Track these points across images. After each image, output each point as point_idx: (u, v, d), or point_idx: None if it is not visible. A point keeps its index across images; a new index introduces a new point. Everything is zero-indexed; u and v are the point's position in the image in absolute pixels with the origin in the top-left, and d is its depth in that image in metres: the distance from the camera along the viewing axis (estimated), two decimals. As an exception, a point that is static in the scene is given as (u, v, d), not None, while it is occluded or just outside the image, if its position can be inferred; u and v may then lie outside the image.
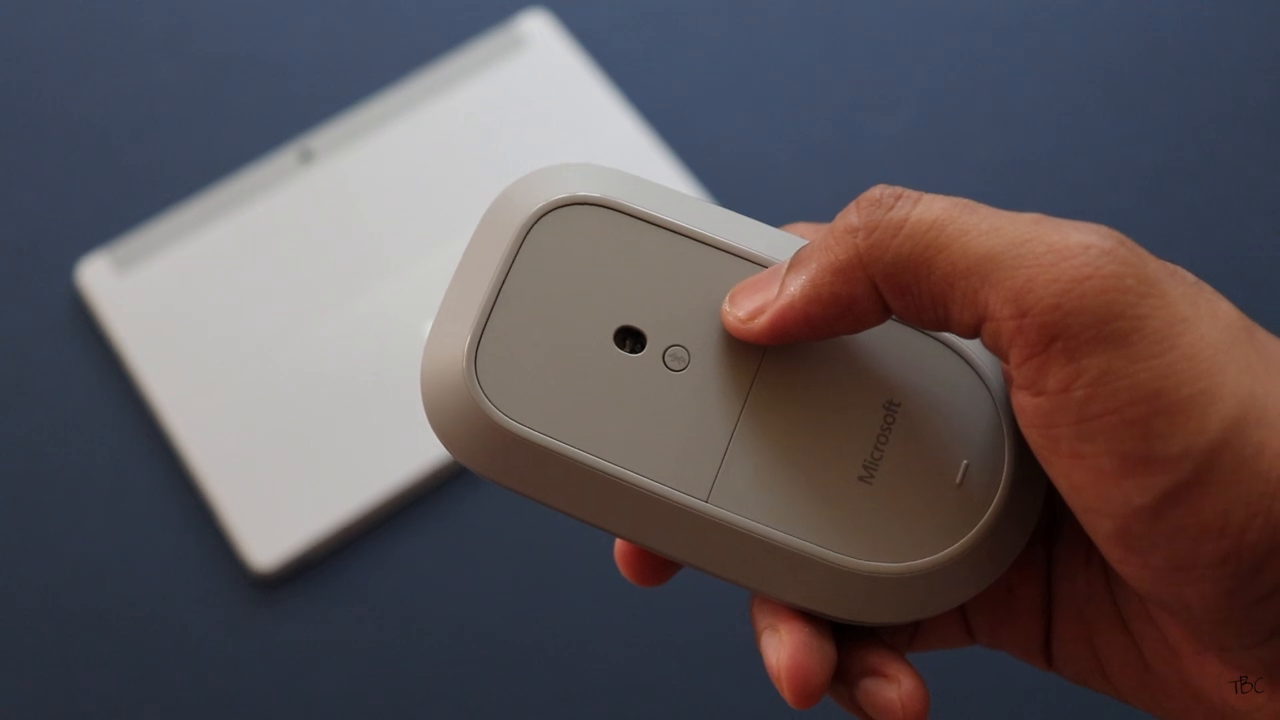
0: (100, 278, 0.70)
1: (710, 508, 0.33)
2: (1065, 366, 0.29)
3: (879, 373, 0.34)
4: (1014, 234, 0.30)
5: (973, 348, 0.34)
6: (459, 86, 0.74)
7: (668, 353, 0.34)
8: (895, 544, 0.33)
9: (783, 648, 0.32)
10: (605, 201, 0.34)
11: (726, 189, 0.72)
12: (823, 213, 0.72)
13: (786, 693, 0.32)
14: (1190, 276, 0.30)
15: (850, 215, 0.32)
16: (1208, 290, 0.30)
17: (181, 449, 0.66)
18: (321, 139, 0.73)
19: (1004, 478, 0.33)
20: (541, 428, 0.33)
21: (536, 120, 0.73)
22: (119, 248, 0.70)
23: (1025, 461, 0.33)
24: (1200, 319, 0.29)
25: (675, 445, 0.33)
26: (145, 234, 0.71)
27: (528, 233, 0.33)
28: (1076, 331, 0.29)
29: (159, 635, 0.64)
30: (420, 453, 0.66)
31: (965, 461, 0.33)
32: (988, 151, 0.73)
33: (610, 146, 0.72)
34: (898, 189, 0.31)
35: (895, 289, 0.31)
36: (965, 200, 0.31)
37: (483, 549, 0.65)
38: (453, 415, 0.33)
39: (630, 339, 0.34)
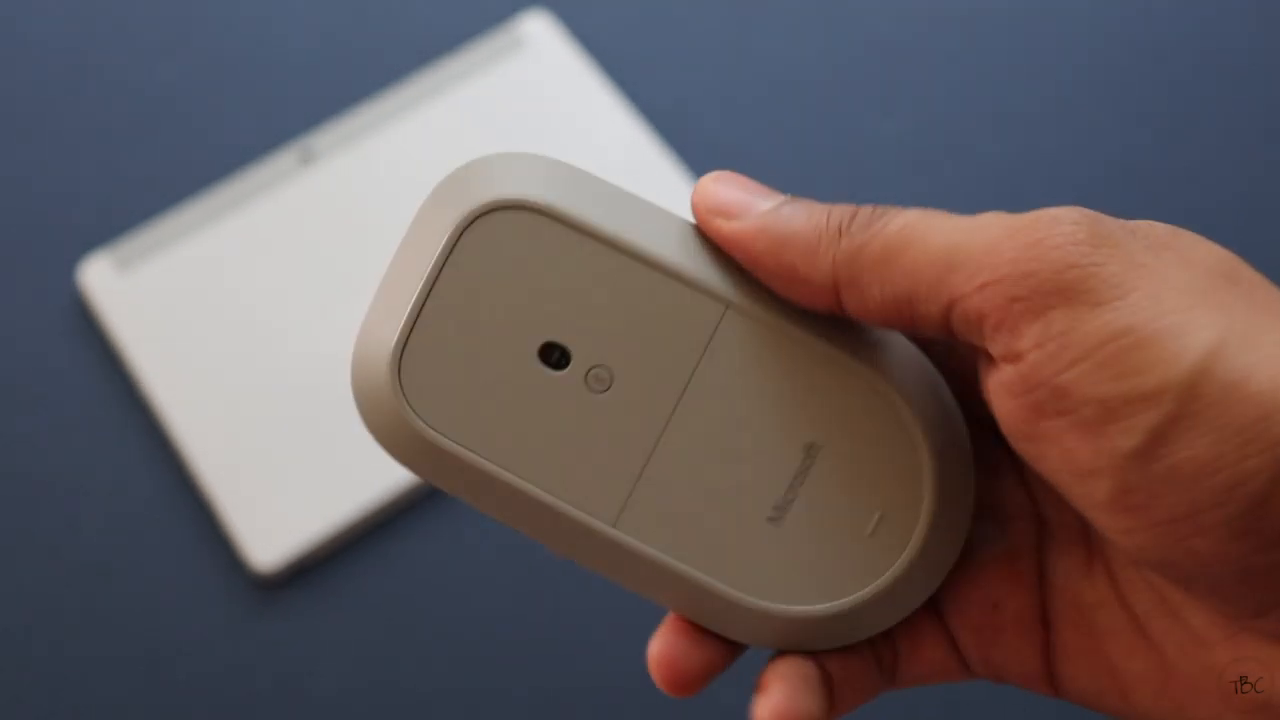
0: (101, 277, 0.70)
1: (615, 533, 0.33)
2: (1032, 324, 0.29)
3: (804, 414, 0.33)
4: (974, 224, 0.31)
5: (910, 388, 0.34)
6: (459, 87, 0.74)
7: (590, 373, 0.33)
8: (793, 587, 0.33)
9: (660, 638, 0.34)
10: (541, 207, 0.33)
11: (726, 189, 0.72)
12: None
13: (654, 678, 0.34)
14: (1157, 232, 0.31)
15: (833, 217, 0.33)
16: (1184, 239, 0.31)
17: (182, 448, 0.66)
18: (322, 139, 0.73)
19: (919, 531, 0.33)
20: (458, 438, 0.33)
21: (537, 120, 0.73)
22: (120, 248, 0.70)
23: (943, 516, 0.33)
24: (1163, 264, 0.29)
25: (587, 467, 0.33)
26: (146, 234, 0.71)
27: (459, 237, 0.32)
28: (1035, 287, 0.29)
29: (159, 635, 0.64)
30: (420, 453, 0.66)
31: (879, 513, 0.33)
32: (987, 152, 0.73)
33: (610, 146, 0.72)
34: (867, 207, 0.32)
35: (858, 289, 0.32)
36: (932, 210, 0.32)
37: (482, 550, 0.65)
38: (376, 413, 0.33)
39: (555, 354, 0.33)
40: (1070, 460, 0.30)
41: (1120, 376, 0.28)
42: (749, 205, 0.33)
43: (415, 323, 0.33)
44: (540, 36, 0.75)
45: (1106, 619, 0.34)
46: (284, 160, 0.72)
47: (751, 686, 0.38)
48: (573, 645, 0.63)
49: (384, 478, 0.65)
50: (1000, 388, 0.30)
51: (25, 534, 0.65)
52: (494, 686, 0.63)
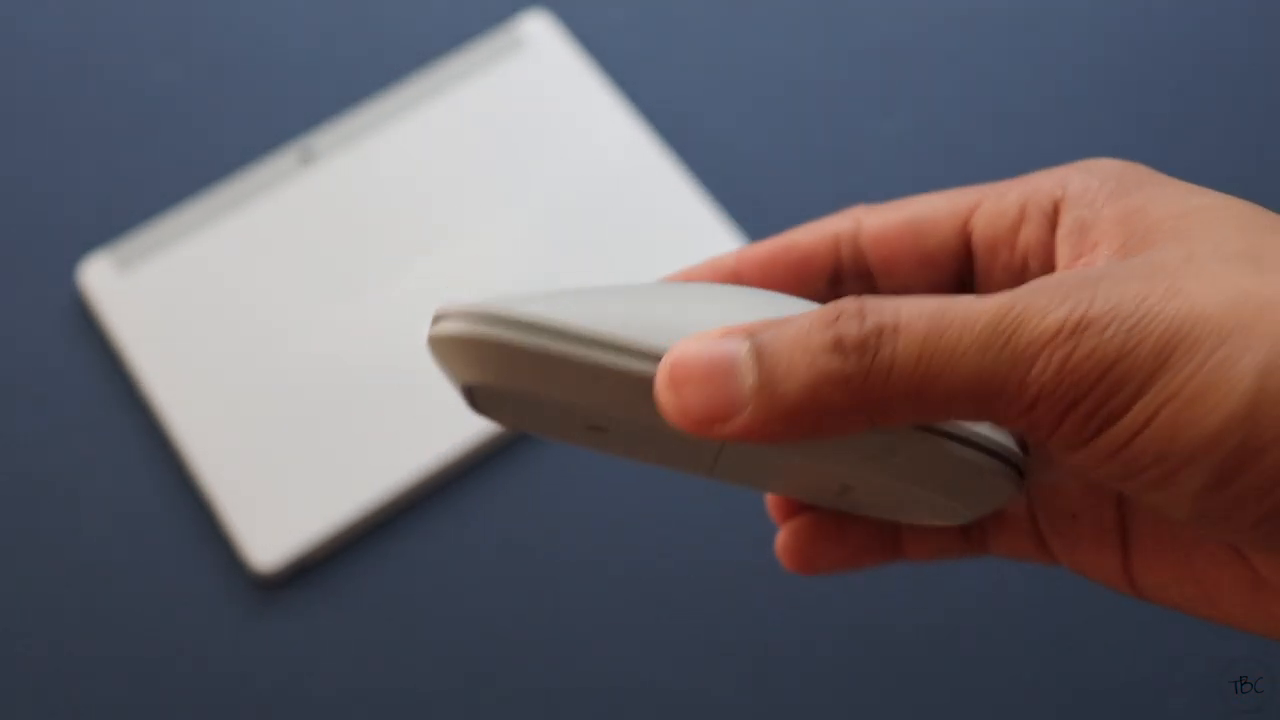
0: (102, 277, 0.70)
1: (714, 475, 0.38)
2: (1087, 424, 0.29)
3: (827, 476, 0.35)
4: (994, 334, 0.30)
5: (908, 476, 0.35)
6: (459, 87, 0.74)
7: (635, 435, 0.35)
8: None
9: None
10: (512, 393, 0.33)
11: (727, 189, 0.72)
12: (822, 213, 0.72)
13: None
14: (1169, 255, 0.30)
15: (836, 359, 0.31)
16: (1198, 245, 0.30)
17: (182, 449, 0.66)
18: (322, 139, 0.73)
19: (963, 519, 0.36)
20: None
21: (537, 121, 0.73)
22: (120, 248, 0.70)
23: (983, 508, 0.35)
24: (1188, 300, 0.29)
25: (668, 460, 0.37)
26: (146, 234, 0.71)
27: (469, 393, 0.34)
28: (1082, 393, 0.29)
29: (159, 635, 0.64)
30: (422, 453, 0.66)
31: (927, 510, 0.36)
32: (987, 152, 0.73)
33: (610, 146, 0.72)
34: (849, 318, 0.31)
35: (893, 418, 0.31)
36: (932, 305, 0.30)
37: (482, 550, 0.65)
38: None
39: (598, 428, 0.35)
40: (1145, 498, 0.30)
41: (1176, 436, 0.29)
42: (729, 395, 0.31)
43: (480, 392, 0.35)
44: (540, 36, 0.75)
45: (1193, 532, 0.34)
46: (284, 160, 0.72)
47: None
48: (573, 645, 0.63)
49: (384, 478, 0.65)
50: (1068, 464, 0.31)
51: (25, 534, 0.66)
52: (494, 686, 0.63)
